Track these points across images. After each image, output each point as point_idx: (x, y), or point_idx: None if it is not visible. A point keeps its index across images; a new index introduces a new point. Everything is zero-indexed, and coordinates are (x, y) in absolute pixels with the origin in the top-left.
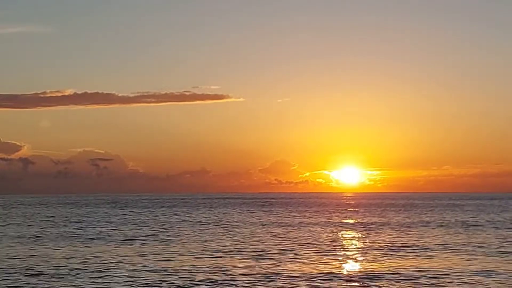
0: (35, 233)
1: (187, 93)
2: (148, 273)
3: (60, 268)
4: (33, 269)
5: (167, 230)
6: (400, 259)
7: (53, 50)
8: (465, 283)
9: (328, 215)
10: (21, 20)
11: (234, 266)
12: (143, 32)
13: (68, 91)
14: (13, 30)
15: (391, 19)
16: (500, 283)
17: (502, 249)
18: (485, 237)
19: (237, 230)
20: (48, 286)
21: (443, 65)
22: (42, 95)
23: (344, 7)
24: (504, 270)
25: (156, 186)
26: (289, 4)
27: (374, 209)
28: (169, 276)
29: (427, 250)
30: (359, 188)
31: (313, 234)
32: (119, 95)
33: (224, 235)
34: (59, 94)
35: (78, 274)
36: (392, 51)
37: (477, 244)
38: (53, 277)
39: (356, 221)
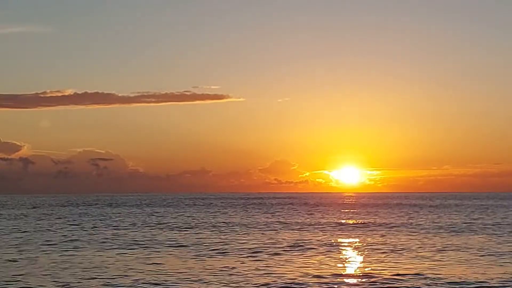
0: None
1: (187, 93)
2: (136, 273)
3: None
4: None
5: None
6: (395, 260)
7: (53, 50)
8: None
9: (326, 215)
10: (21, 20)
11: (233, 267)
12: (143, 32)
13: (68, 91)
14: (13, 30)
15: (391, 19)
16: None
17: (494, 251)
18: (479, 239)
19: (233, 229)
20: None
21: (443, 65)
22: (42, 95)
23: (344, 7)
24: (495, 272)
25: (156, 186)
26: (289, 4)
27: (372, 209)
28: (161, 276)
29: (418, 251)
30: (359, 188)
31: (309, 234)
32: (119, 95)
33: (216, 233)
34: (59, 94)
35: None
36: (392, 51)
37: (470, 246)
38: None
39: (352, 222)
